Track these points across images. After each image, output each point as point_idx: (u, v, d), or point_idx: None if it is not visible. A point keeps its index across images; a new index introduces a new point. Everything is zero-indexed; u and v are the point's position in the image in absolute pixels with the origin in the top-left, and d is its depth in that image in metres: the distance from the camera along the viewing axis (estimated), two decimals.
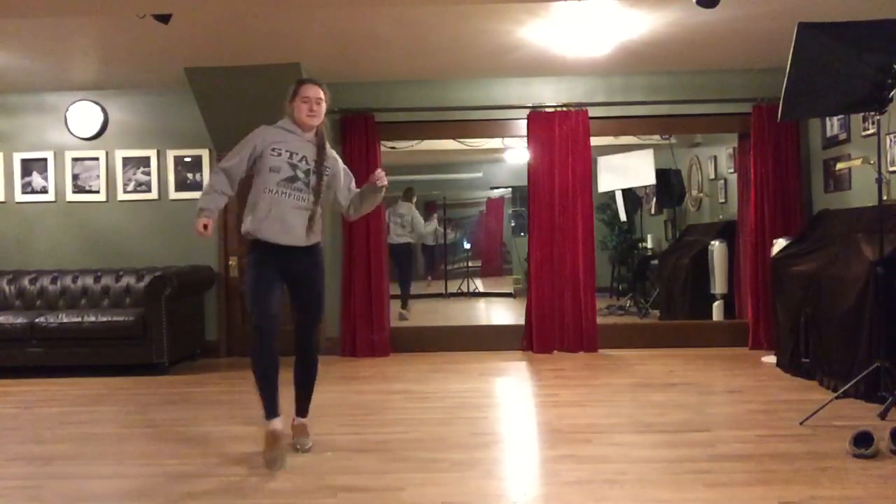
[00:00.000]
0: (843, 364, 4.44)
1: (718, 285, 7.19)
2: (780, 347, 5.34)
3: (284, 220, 3.44)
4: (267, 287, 3.49)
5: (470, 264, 12.13)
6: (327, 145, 3.61)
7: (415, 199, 8.82)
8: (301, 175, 3.47)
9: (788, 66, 3.74)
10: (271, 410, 3.52)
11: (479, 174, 11.91)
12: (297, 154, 3.49)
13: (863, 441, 3.24)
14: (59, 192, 6.67)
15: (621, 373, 5.44)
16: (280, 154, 3.47)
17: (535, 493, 3.08)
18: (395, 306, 8.24)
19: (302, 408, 3.74)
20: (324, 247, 3.70)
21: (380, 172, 3.55)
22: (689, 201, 9.15)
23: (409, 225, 8.53)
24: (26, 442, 3.93)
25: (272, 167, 3.46)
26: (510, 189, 11.85)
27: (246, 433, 3.95)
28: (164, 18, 4.30)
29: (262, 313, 3.47)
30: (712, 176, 8.36)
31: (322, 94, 3.53)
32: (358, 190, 3.69)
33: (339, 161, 3.70)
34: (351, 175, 3.75)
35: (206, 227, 3.53)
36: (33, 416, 4.53)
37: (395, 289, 8.12)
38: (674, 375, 5.27)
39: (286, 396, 3.66)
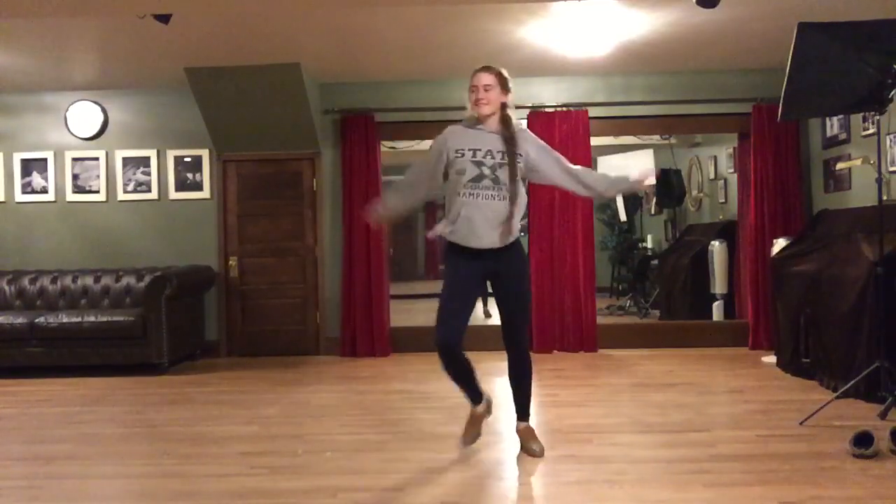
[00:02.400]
0: (843, 364, 4.44)
1: (718, 285, 7.18)
2: (780, 347, 5.34)
3: (473, 222, 3.25)
4: (456, 305, 3.35)
5: None
6: (520, 134, 3.35)
7: None
8: (487, 172, 3.25)
9: (788, 66, 3.74)
10: (473, 398, 3.53)
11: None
12: (479, 150, 3.27)
13: (863, 441, 3.24)
14: (59, 192, 6.67)
15: (621, 373, 5.44)
16: (463, 154, 3.28)
17: (535, 493, 3.08)
18: (395, 306, 8.26)
19: (520, 411, 3.58)
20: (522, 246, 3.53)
21: (649, 178, 3.45)
22: (689, 201, 9.14)
23: None
24: (26, 442, 3.93)
25: (458, 170, 3.27)
26: None
27: (246, 433, 3.95)
28: (164, 18, 4.30)
29: (442, 336, 3.33)
30: (712, 176, 8.35)
31: (491, 80, 3.31)
32: (612, 176, 3.51)
33: (538, 145, 3.41)
34: (556, 155, 3.44)
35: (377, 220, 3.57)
36: (33, 416, 4.53)
37: (394, 289, 8.11)
38: (674, 375, 5.27)
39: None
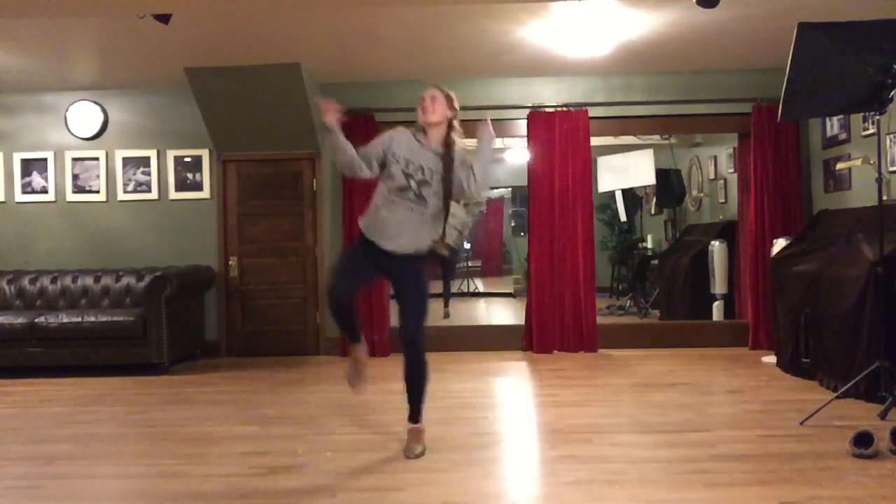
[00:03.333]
0: (843, 364, 4.44)
1: (718, 285, 7.18)
2: (780, 347, 5.34)
3: (388, 225, 3.41)
4: (352, 267, 3.54)
5: (470, 264, 12.12)
6: (458, 156, 3.46)
7: None
8: (413, 185, 3.40)
9: (788, 66, 3.74)
10: (352, 337, 3.66)
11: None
12: (412, 163, 3.42)
13: (863, 441, 3.24)
14: (59, 192, 6.67)
15: (621, 373, 5.44)
16: (398, 162, 3.42)
17: (535, 493, 3.08)
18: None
19: (411, 412, 3.61)
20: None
21: (487, 126, 3.47)
22: (689, 201, 9.15)
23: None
24: (26, 442, 3.93)
25: (389, 173, 3.43)
26: (510, 189, 11.84)
27: (246, 433, 3.95)
28: (164, 18, 4.30)
29: (333, 287, 3.50)
30: (712, 176, 8.35)
31: (437, 95, 3.46)
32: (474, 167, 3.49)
33: (467, 166, 3.47)
34: (469, 171, 3.46)
35: (331, 110, 3.38)
36: (33, 416, 4.53)
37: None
38: (674, 375, 5.27)
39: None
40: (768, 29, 5.12)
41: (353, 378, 3.73)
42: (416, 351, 3.53)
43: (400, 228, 3.42)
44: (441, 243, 3.50)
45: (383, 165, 3.47)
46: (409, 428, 3.59)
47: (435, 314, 7.96)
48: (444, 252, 3.52)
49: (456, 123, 3.53)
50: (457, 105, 3.54)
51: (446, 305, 8.39)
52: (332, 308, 3.57)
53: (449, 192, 3.44)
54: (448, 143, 3.48)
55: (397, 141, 3.47)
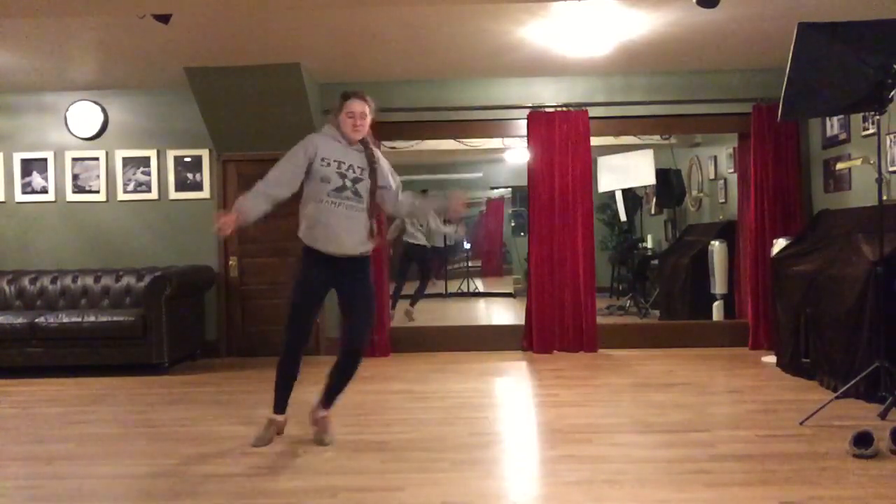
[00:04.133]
0: (843, 364, 4.44)
1: (718, 285, 7.18)
2: (780, 347, 5.34)
3: (333, 230, 3.51)
4: (308, 308, 3.65)
5: (470, 264, 12.13)
6: (378, 154, 3.66)
7: None
8: (349, 184, 3.53)
9: (788, 66, 3.74)
10: (280, 406, 3.78)
11: (479, 174, 11.90)
12: (343, 163, 3.55)
13: (863, 441, 3.24)
14: (59, 192, 6.67)
15: (621, 373, 5.44)
16: (329, 164, 3.53)
17: (535, 493, 3.08)
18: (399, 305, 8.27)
19: (328, 400, 3.77)
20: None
21: (460, 205, 3.63)
22: (689, 201, 9.14)
23: (424, 226, 8.52)
24: (26, 442, 3.93)
25: (323, 177, 3.52)
26: (510, 189, 11.85)
27: (246, 433, 3.95)
28: (164, 18, 4.30)
29: (295, 334, 3.67)
30: (712, 176, 8.35)
31: (367, 109, 3.59)
32: (417, 200, 3.78)
33: (388, 167, 3.72)
34: (397, 180, 3.73)
35: (228, 223, 3.48)
36: (33, 416, 4.53)
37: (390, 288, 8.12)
38: (674, 375, 5.27)
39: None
40: (768, 29, 5.12)
41: (262, 440, 3.72)
42: (360, 354, 3.71)
43: (348, 229, 3.52)
44: (371, 239, 3.61)
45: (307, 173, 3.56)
46: (324, 416, 3.73)
47: (399, 314, 8.07)
48: (369, 248, 3.62)
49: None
50: (377, 109, 3.70)
51: (412, 304, 8.43)
52: (290, 360, 3.71)
53: (375, 186, 3.58)
54: (365, 142, 3.64)
55: (322, 144, 3.57)
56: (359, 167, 3.58)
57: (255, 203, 3.54)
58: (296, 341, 3.67)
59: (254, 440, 3.69)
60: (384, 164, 3.71)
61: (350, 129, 3.56)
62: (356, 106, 3.57)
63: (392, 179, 3.71)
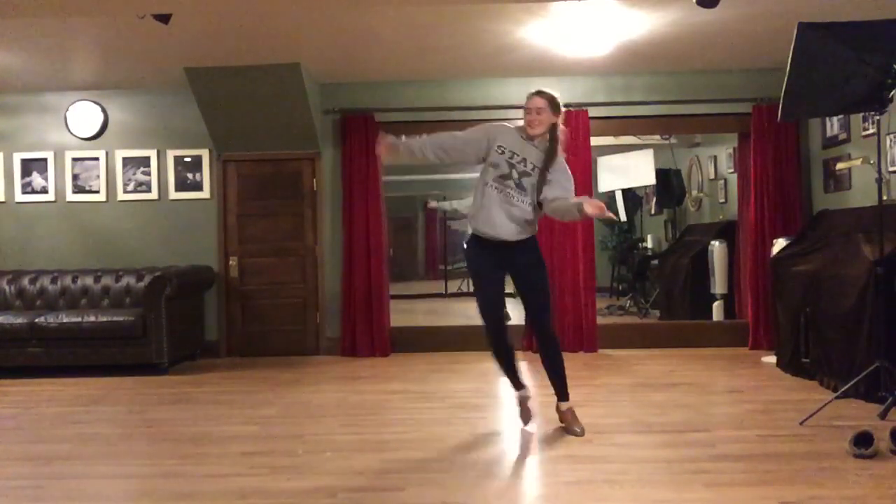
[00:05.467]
0: (843, 364, 4.44)
1: (718, 285, 7.18)
2: (780, 347, 5.34)
3: (491, 213, 3.64)
4: (487, 287, 3.79)
5: None
6: (559, 154, 3.69)
7: None
8: (515, 175, 3.63)
9: (788, 66, 3.74)
10: (516, 385, 3.97)
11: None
12: (517, 155, 3.64)
13: (863, 441, 3.24)
14: (59, 192, 6.67)
15: (621, 373, 5.44)
16: (503, 152, 3.65)
17: (535, 493, 3.08)
18: (395, 306, 8.25)
19: (559, 393, 3.88)
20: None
21: (600, 207, 3.57)
22: (689, 201, 9.14)
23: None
24: (26, 442, 3.93)
25: (493, 163, 3.66)
26: None
27: (246, 433, 3.95)
28: (164, 18, 4.30)
29: (486, 320, 3.83)
30: (712, 176, 8.35)
31: (542, 104, 3.65)
32: (570, 200, 3.65)
33: (565, 170, 3.73)
34: (567, 183, 3.73)
35: (384, 149, 3.73)
36: (33, 416, 4.53)
37: (394, 289, 8.11)
38: (674, 375, 5.27)
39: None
40: (768, 29, 5.12)
41: (526, 418, 3.94)
42: (547, 332, 3.86)
43: (499, 215, 3.63)
44: (529, 229, 3.71)
45: (484, 158, 3.70)
46: (566, 409, 3.87)
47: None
48: (525, 236, 3.70)
49: (560, 119, 3.71)
50: (561, 105, 3.72)
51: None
52: (498, 342, 3.89)
53: (542, 185, 3.62)
54: (553, 140, 3.68)
55: (503, 134, 3.70)
56: (532, 164, 3.63)
57: (412, 145, 3.74)
58: (492, 325, 3.81)
59: (522, 422, 3.91)
60: (560, 170, 3.69)
61: (527, 124, 3.66)
62: (532, 101, 3.66)
63: (561, 188, 3.66)
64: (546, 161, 3.63)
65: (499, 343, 3.86)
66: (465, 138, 3.75)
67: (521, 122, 3.73)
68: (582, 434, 3.73)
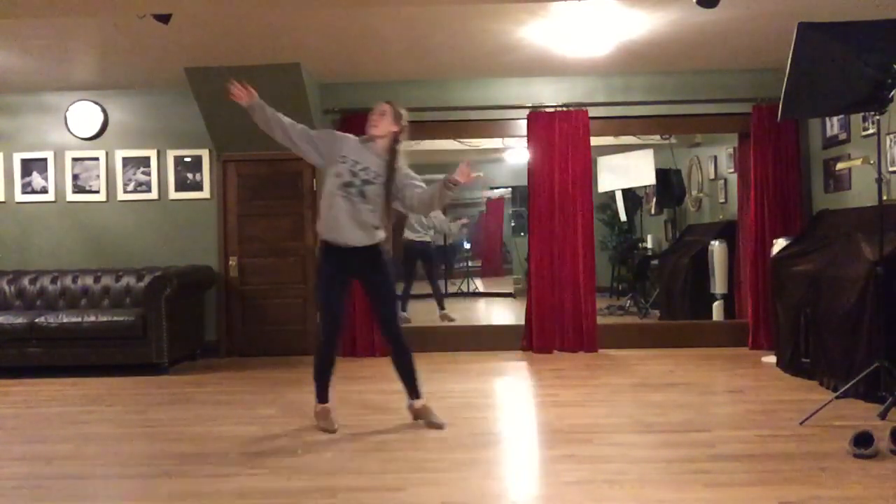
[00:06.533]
0: (843, 364, 4.44)
1: (718, 285, 7.18)
2: (780, 347, 5.34)
3: (338, 220, 3.79)
4: (332, 294, 3.91)
5: (470, 264, 12.12)
6: (399, 165, 3.87)
7: None
8: (358, 183, 3.79)
9: (788, 66, 3.74)
10: (323, 396, 4.05)
11: (480, 174, 11.87)
12: (359, 163, 3.81)
13: (863, 441, 3.24)
14: (59, 192, 6.67)
15: (621, 373, 5.44)
16: (346, 161, 3.81)
17: (535, 493, 3.08)
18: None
19: (413, 392, 4.05)
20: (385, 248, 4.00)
21: (465, 172, 3.72)
22: (689, 201, 9.15)
23: (429, 221, 8.23)
24: (27, 442, 3.93)
25: (336, 172, 3.82)
26: (510, 189, 11.83)
27: (246, 433, 3.95)
28: (164, 18, 4.30)
29: (331, 331, 3.96)
30: (712, 176, 8.35)
31: (386, 109, 3.89)
32: (426, 188, 3.85)
33: (409, 173, 3.92)
34: (417, 179, 3.91)
35: (241, 95, 3.87)
36: (33, 416, 4.53)
37: (399, 288, 8.08)
38: (674, 375, 5.27)
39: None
40: (768, 29, 5.12)
41: (326, 427, 3.98)
42: (398, 338, 3.99)
43: (346, 221, 3.78)
44: (377, 232, 3.87)
45: (327, 164, 3.88)
46: (420, 406, 4.02)
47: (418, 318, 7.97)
48: (375, 240, 3.87)
49: (402, 134, 3.93)
50: (404, 122, 3.94)
51: (442, 308, 8.33)
52: (328, 352, 3.99)
53: (389, 191, 3.81)
54: (393, 152, 3.87)
55: (346, 143, 3.87)
56: (374, 171, 3.81)
57: (267, 114, 3.92)
58: (329, 331, 3.94)
59: (325, 430, 3.93)
60: (404, 176, 3.87)
61: (369, 123, 3.87)
62: (379, 106, 3.91)
63: (413, 185, 3.86)
64: (388, 172, 3.81)
65: (329, 350, 3.99)
66: (315, 140, 3.88)
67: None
68: (444, 426, 3.88)
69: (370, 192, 3.79)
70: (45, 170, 6.67)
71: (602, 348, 6.31)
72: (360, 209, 3.78)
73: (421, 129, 6.65)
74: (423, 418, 3.99)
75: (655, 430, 3.82)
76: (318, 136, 3.92)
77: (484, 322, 8.89)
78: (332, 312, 3.91)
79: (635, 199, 9.75)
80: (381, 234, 3.91)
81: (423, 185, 3.88)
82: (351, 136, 3.94)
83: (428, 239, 8.37)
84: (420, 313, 8.52)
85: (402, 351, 4.00)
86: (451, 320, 8.05)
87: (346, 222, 3.78)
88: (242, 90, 3.85)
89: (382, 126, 3.86)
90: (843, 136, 5.81)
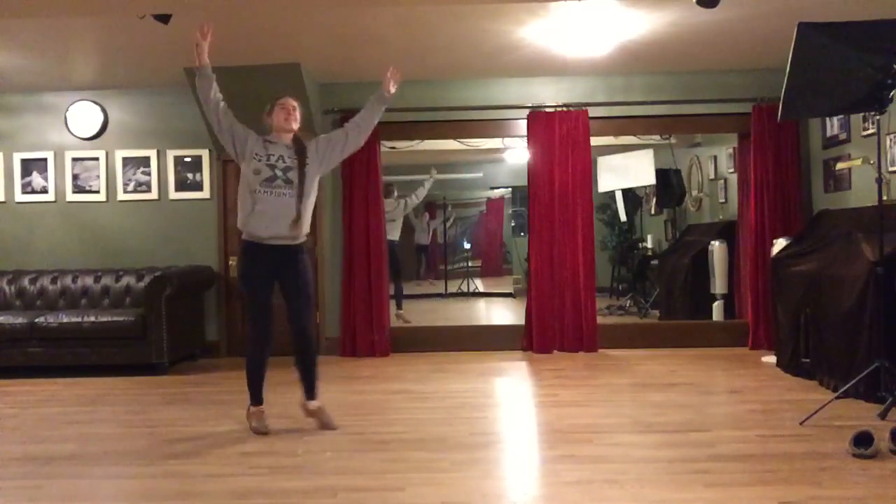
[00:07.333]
0: (843, 364, 4.44)
1: (718, 285, 7.18)
2: (780, 347, 5.33)
3: (266, 215, 3.79)
4: (261, 295, 3.96)
5: (470, 264, 12.13)
6: (308, 147, 3.94)
7: (395, 195, 8.46)
8: (279, 173, 3.82)
9: (788, 66, 3.74)
10: (257, 398, 4.06)
11: (479, 174, 11.90)
12: (273, 156, 3.85)
13: (863, 441, 3.24)
14: (59, 192, 6.67)
15: (621, 373, 5.44)
16: (260, 159, 3.84)
17: (535, 493, 3.08)
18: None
19: (310, 392, 4.08)
20: (308, 246, 4.11)
21: (393, 73, 3.96)
22: (689, 201, 9.15)
23: (396, 221, 8.21)
24: (26, 442, 3.93)
25: (254, 169, 3.83)
26: (510, 189, 11.84)
27: (246, 433, 3.95)
28: (164, 18, 4.31)
29: (264, 329, 4.03)
30: (712, 176, 8.35)
31: (296, 103, 3.98)
32: (362, 112, 4.12)
33: (322, 139, 4.05)
34: (337, 134, 4.11)
35: (199, 58, 3.89)
36: (33, 416, 4.52)
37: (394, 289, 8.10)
38: (674, 375, 5.27)
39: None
40: (768, 29, 5.12)
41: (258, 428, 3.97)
42: (308, 334, 4.06)
43: (276, 216, 3.79)
44: (300, 224, 3.86)
45: (238, 157, 3.92)
46: (315, 407, 4.02)
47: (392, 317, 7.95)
48: (301, 235, 3.90)
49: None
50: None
51: (399, 308, 8.24)
52: (262, 350, 4.04)
53: (304, 174, 3.85)
54: (296, 139, 3.95)
55: (256, 142, 3.90)
56: (287, 157, 3.86)
57: (212, 84, 3.95)
58: (261, 333, 4.02)
59: (257, 432, 3.92)
60: (324, 141, 4.02)
61: (283, 119, 3.91)
62: (287, 101, 3.95)
63: (339, 132, 4.10)
64: (300, 156, 3.86)
65: (263, 352, 4.04)
66: (236, 132, 3.90)
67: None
68: (337, 428, 3.92)
69: (294, 176, 3.83)
70: (45, 170, 6.67)
71: (602, 348, 6.31)
72: (287, 202, 3.80)
73: (421, 129, 6.69)
74: (317, 419, 3.99)
75: (655, 430, 3.82)
76: (237, 134, 3.92)
77: (484, 322, 8.89)
78: (262, 312, 3.95)
79: (635, 199, 9.75)
80: (307, 226, 3.93)
81: (344, 136, 4.05)
82: (252, 132, 3.94)
83: (393, 238, 8.23)
84: (420, 313, 8.54)
85: (307, 348, 4.04)
86: (407, 322, 7.99)
87: (274, 216, 3.79)
88: (204, 38, 3.84)
89: (298, 120, 3.96)
90: (843, 136, 5.81)
